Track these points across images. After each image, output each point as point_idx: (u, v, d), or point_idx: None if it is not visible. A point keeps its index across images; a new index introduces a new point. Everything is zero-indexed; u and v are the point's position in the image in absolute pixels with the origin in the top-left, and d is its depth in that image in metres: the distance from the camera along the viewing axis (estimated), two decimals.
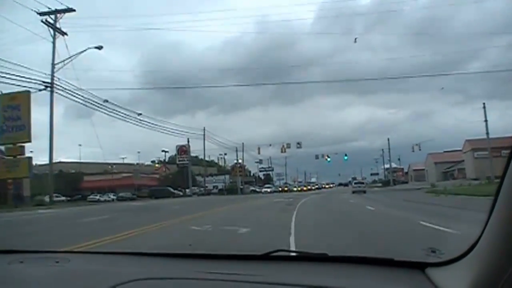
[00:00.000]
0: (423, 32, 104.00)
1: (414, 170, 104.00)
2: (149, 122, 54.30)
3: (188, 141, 66.79)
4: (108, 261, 2.20)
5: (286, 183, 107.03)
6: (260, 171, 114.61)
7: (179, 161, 69.97)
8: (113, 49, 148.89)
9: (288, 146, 63.88)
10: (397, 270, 1.63)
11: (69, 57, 37.70)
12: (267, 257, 1.91)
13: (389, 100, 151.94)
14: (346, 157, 75.00)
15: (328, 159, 75.51)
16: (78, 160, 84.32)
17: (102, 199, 63.34)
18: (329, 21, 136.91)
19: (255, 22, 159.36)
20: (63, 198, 56.43)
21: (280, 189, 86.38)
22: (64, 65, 37.37)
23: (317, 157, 76.35)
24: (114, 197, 64.90)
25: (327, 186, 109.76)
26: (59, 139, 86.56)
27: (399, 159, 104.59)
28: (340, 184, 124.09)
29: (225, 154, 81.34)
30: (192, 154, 75.14)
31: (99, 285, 1.56)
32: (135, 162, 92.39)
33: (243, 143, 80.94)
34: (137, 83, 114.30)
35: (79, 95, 39.89)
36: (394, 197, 33.08)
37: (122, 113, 51.74)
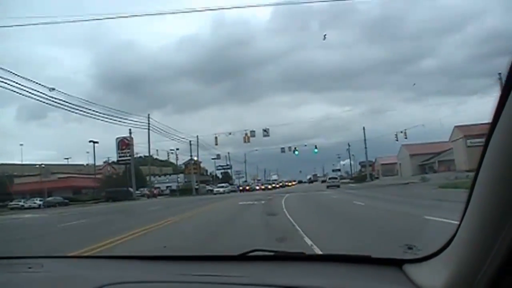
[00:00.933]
0: (378, 30, 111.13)
1: (382, 164, 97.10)
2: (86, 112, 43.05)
3: (130, 133, 55.26)
4: (82, 266, 2.17)
5: (246, 181, 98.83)
6: (218, 169, 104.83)
7: (119, 157, 57.73)
8: (65, 49, 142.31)
9: (253, 134, 53.24)
10: (375, 267, 1.63)
11: None
12: (243, 257, 1.88)
13: (344, 98, 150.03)
14: (316, 150, 66.74)
15: (296, 152, 66.81)
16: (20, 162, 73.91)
17: (26, 205, 53.34)
18: (285, 19, 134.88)
19: (211, 20, 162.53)
20: None
21: (240, 188, 76.84)
22: None
23: (283, 150, 67.23)
24: (41, 203, 53.46)
25: (289, 184, 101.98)
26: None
27: (366, 154, 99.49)
28: (300, 182, 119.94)
29: (177, 149, 70.02)
30: (146, 154, 66.23)
31: None
32: (85, 163, 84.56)
33: (197, 136, 70.42)
34: (91, 83, 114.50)
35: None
36: (402, 196, 23.81)
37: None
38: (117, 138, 57.14)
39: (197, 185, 71.34)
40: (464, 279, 1.05)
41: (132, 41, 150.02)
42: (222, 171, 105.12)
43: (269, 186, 76.36)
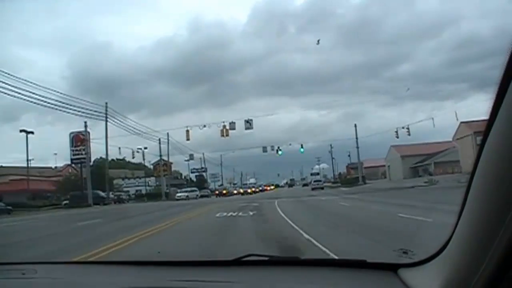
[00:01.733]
0: (355, 34, 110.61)
1: (366, 167, 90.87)
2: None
3: (86, 126, 45.93)
4: (75, 272, 2.14)
5: (221, 185, 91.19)
6: (192, 172, 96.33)
7: (74, 155, 48.56)
8: (38, 50, 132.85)
9: (233, 126, 43.12)
10: (370, 272, 1.61)
11: None
12: (238, 262, 1.86)
13: (321, 102, 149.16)
14: (302, 150, 59.66)
15: (280, 152, 59.73)
16: None
17: None
18: (262, 23, 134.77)
19: (187, 23, 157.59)
20: None
21: (216, 192, 69.18)
22: None
23: (265, 150, 59.76)
24: None
25: (268, 188, 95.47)
26: None
27: (349, 156, 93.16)
28: (277, 186, 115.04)
29: (145, 148, 61.29)
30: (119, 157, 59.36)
31: None
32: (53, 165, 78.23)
33: (168, 133, 62.29)
34: (64, 85, 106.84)
35: None
36: (437, 203, 16.84)
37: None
38: (71, 133, 48.33)
39: (167, 189, 63.02)
40: (459, 283, 1.03)
41: (107, 42, 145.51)
42: (197, 174, 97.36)
43: (249, 190, 68.93)
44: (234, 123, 42.98)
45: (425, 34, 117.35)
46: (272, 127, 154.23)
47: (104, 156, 62.24)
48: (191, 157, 71.48)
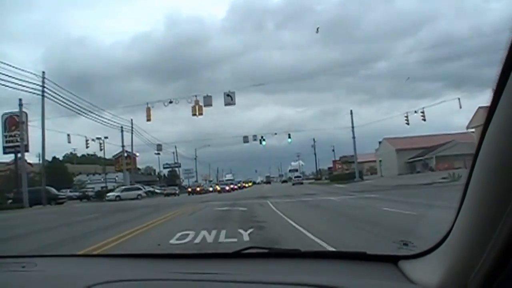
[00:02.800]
0: (332, 31, 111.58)
1: (350, 163, 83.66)
2: None
3: (21, 105, 35.31)
4: (77, 264, 2.12)
5: (196, 181, 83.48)
6: (165, 167, 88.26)
7: (6, 142, 38.11)
8: (11, 43, 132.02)
9: (208, 102, 32.42)
10: (370, 264, 1.62)
11: None
12: (239, 255, 1.87)
13: (297, 99, 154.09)
14: (290, 140, 52.04)
15: (263, 143, 51.74)
16: None
17: None
18: (240, 19, 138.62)
19: (164, 18, 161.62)
20: None
21: (189, 189, 60.80)
22: None
23: (246, 140, 51.44)
24: None
25: (246, 185, 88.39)
26: None
27: (333, 150, 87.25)
28: (254, 183, 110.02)
29: (106, 137, 51.43)
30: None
31: None
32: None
33: (131, 120, 52.92)
34: (38, 79, 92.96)
35: None
36: None
37: None
38: (3, 115, 38.50)
39: (131, 184, 53.57)
40: (459, 275, 1.04)
41: (83, 37, 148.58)
42: (170, 170, 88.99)
43: (227, 188, 60.66)
44: (210, 97, 32.33)
45: (402, 32, 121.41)
46: (248, 124, 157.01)
47: (72, 151, 53.71)
48: (159, 147, 62.07)
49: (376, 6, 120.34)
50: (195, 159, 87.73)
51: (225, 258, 1.94)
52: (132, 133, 52.04)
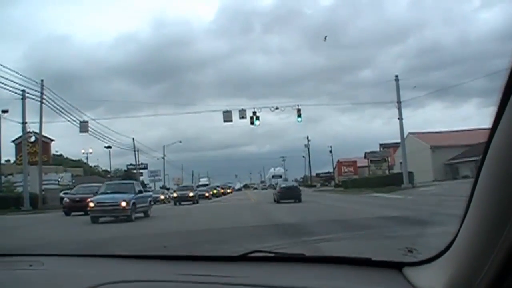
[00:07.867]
0: (319, 37, 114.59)
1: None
2: None
3: None
4: (83, 264, 2.13)
5: (163, 186, 70.56)
6: (128, 168, 73.59)
7: None
8: None
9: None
10: (375, 270, 1.63)
11: None
12: (243, 258, 1.88)
13: (280, 105, 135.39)
14: (300, 119, 37.02)
15: (256, 122, 37.29)
16: None
17: None
18: (227, 22, 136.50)
19: (149, 19, 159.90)
20: None
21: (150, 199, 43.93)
22: None
23: (228, 118, 35.61)
24: None
25: (229, 191, 76.00)
26: None
27: (331, 151, 76.48)
28: (239, 189, 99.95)
29: (5, 111, 31.52)
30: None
31: None
32: None
33: (42, 80, 33.31)
34: (16, 78, 79.76)
35: None
36: None
37: None
38: None
39: (42, 187, 33.90)
40: (463, 282, 1.05)
41: (64, 35, 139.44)
42: (125, 170, 73.75)
43: (206, 194, 48.91)
44: None
45: (389, 39, 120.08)
46: (228, 128, 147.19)
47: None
48: (83, 126, 41.47)
49: (365, 13, 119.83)
50: (163, 158, 72.28)
51: (230, 261, 1.94)
52: (41, 101, 33.27)
